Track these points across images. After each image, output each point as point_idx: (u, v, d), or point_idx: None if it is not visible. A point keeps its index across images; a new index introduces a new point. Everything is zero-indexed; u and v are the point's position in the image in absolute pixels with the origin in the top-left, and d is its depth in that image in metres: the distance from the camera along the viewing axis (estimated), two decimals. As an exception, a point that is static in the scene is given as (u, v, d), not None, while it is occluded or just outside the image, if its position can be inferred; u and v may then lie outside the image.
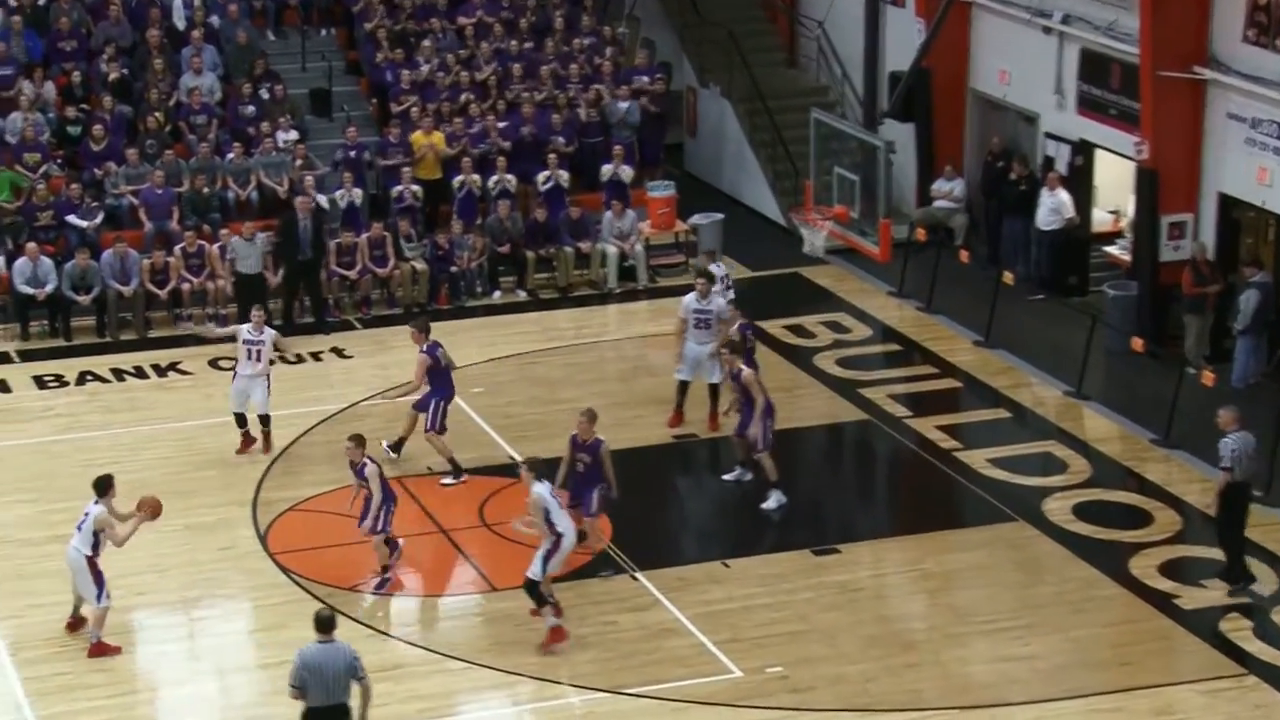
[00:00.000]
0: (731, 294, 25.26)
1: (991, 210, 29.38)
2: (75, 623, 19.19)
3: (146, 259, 27.36)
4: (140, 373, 26.00)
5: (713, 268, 25.30)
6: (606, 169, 30.00)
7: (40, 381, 25.78)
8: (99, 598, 18.67)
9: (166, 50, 30.63)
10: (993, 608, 19.68)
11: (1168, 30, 25.12)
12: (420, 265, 28.43)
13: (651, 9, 34.77)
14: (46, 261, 27.03)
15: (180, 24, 31.41)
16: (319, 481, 22.33)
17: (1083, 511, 21.81)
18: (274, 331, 23.34)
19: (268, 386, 23.06)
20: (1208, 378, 23.76)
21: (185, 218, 28.49)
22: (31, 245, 27.09)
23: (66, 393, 25.46)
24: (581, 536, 19.61)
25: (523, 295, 28.87)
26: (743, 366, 21.95)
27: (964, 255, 28.68)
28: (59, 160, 29.05)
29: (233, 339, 23.42)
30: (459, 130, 30.03)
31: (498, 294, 28.82)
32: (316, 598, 19.66)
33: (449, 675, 18.50)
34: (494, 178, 29.41)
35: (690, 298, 23.97)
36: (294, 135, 29.69)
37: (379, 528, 20.02)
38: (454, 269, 28.47)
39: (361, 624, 19.20)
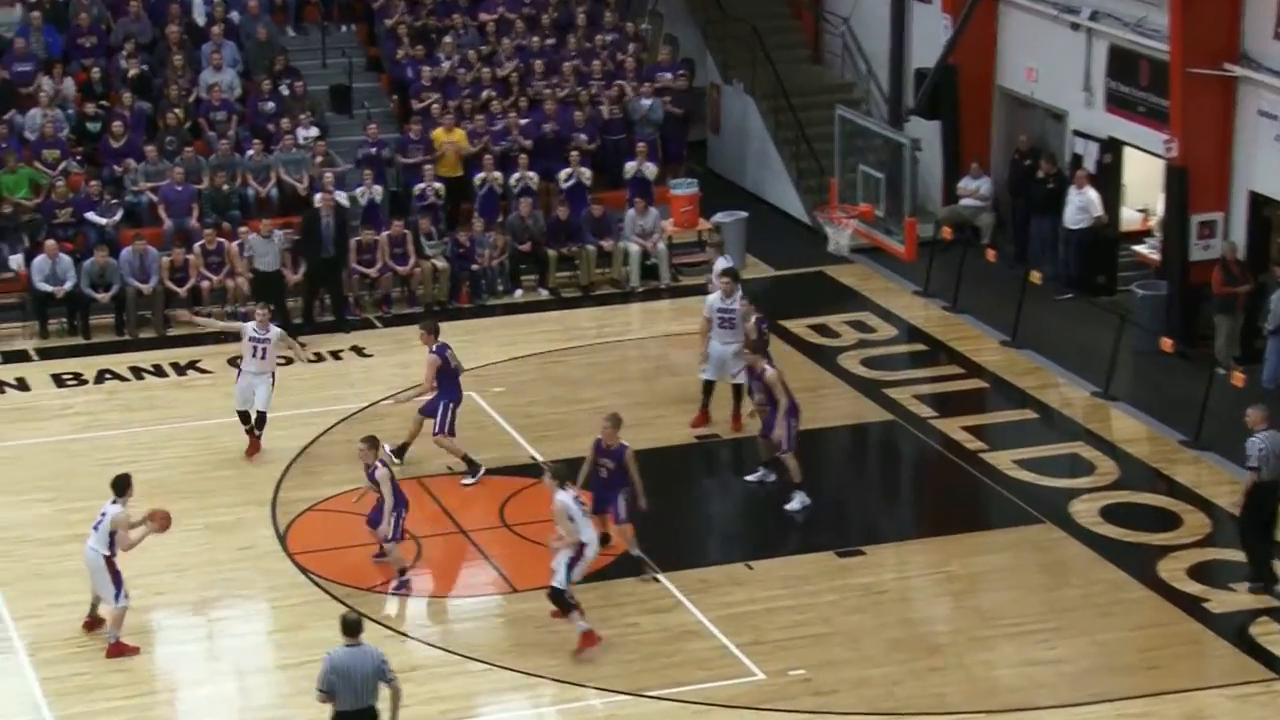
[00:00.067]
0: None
1: (1018, 209, 29.30)
2: (92, 622, 19.16)
3: (166, 256, 27.35)
4: (159, 371, 25.99)
5: (720, 261, 25.35)
6: (630, 166, 29.92)
7: (59, 380, 25.77)
8: (117, 597, 18.65)
9: (186, 46, 30.61)
10: (1019, 611, 19.60)
11: (1198, 27, 25.02)
12: (441, 263, 28.35)
13: (674, 5, 34.68)
14: (65, 259, 27.01)
15: (200, 20, 31.41)
16: (338, 481, 22.22)
17: (1110, 513, 21.72)
18: (279, 329, 23.25)
19: (271, 384, 22.98)
20: (1238, 378, 23.64)
21: (205, 215, 28.47)
22: (50, 243, 27.07)
23: (85, 391, 25.44)
24: (604, 540, 19.47)
25: (544, 294, 28.82)
26: (767, 366, 21.86)
27: (990, 254, 28.64)
28: (78, 157, 29.02)
29: (236, 336, 23.28)
30: (480, 127, 29.92)
31: (519, 292, 28.75)
32: (336, 598, 19.66)
33: (469, 677, 18.45)
34: (516, 175, 29.33)
35: (714, 296, 23.92)
36: (314, 132, 29.64)
37: (395, 534, 19.89)
38: (475, 267, 28.40)
39: (382, 625, 19.13)
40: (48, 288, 26.88)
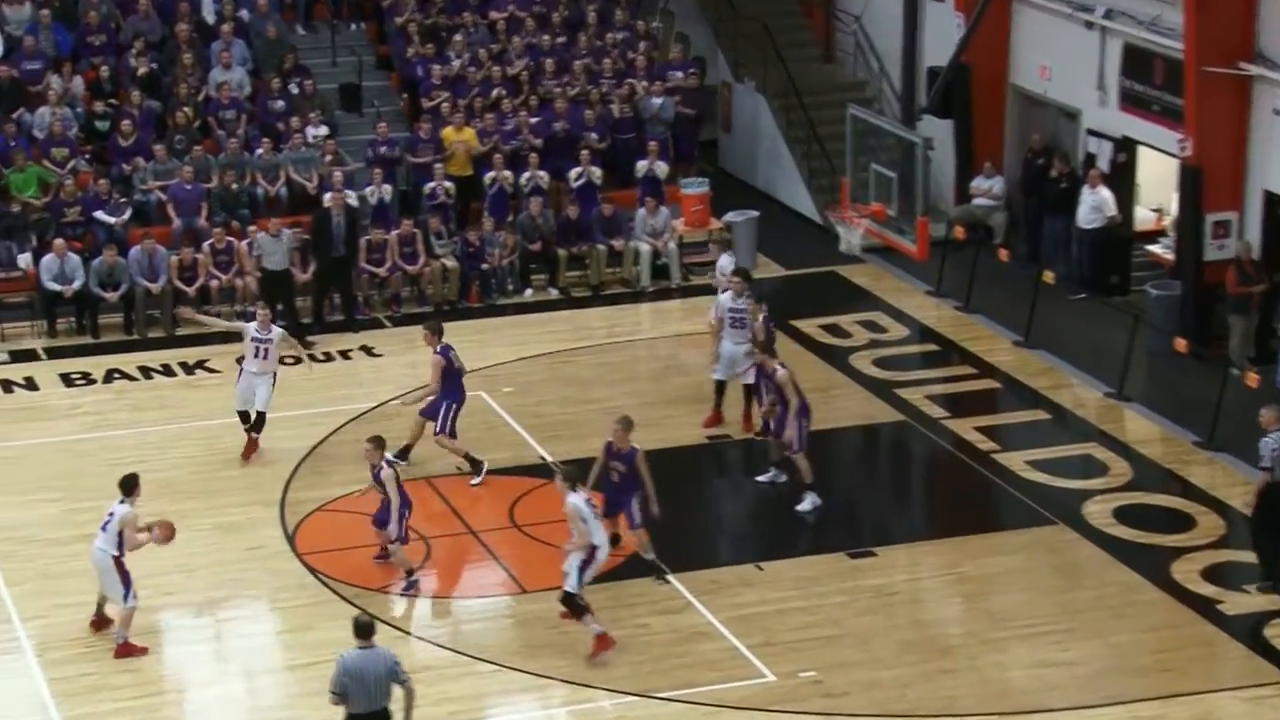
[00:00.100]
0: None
1: (1031, 208, 29.24)
2: (99, 621, 19.12)
3: (174, 255, 27.31)
4: (168, 370, 25.95)
5: (724, 258, 25.44)
6: (641, 165, 29.86)
7: (67, 379, 25.73)
8: (126, 598, 18.61)
9: (196, 45, 30.58)
10: (1031, 612, 19.54)
11: (1213, 25, 24.94)
12: (451, 263, 28.29)
13: (686, 3, 34.66)
14: (74, 258, 26.97)
15: (210, 18, 31.40)
16: (347, 481, 22.16)
17: (1124, 515, 21.65)
18: (282, 330, 23.18)
19: (272, 385, 22.91)
20: (1252, 379, 23.52)
21: (214, 214, 28.39)
22: (59, 241, 27.03)
23: (94, 390, 25.40)
24: (614, 540, 19.38)
25: (554, 293, 28.77)
26: (778, 366, 21.78)
27: (1003, 254, 28.57)
28: (87, 156, 29.00)
29: (239, 336, 23.20)
30: (490, 126, 29.84)
31: (529, 292, 28.69)
32: (344, 599, 19.64)
33: (479, 678, 18.39)
34: (526, 174, 29.24)
35: (726, 296, 23.87)
36: (324, 131, 29.58)
37: (398, 536, 19.82)
38: (485, 266, 28.33)
39: (391, 625, 19.07)
40: (56, 287, 26.84)
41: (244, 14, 31.43)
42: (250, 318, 23.37)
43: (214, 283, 27.29)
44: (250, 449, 23.01)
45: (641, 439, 20.14)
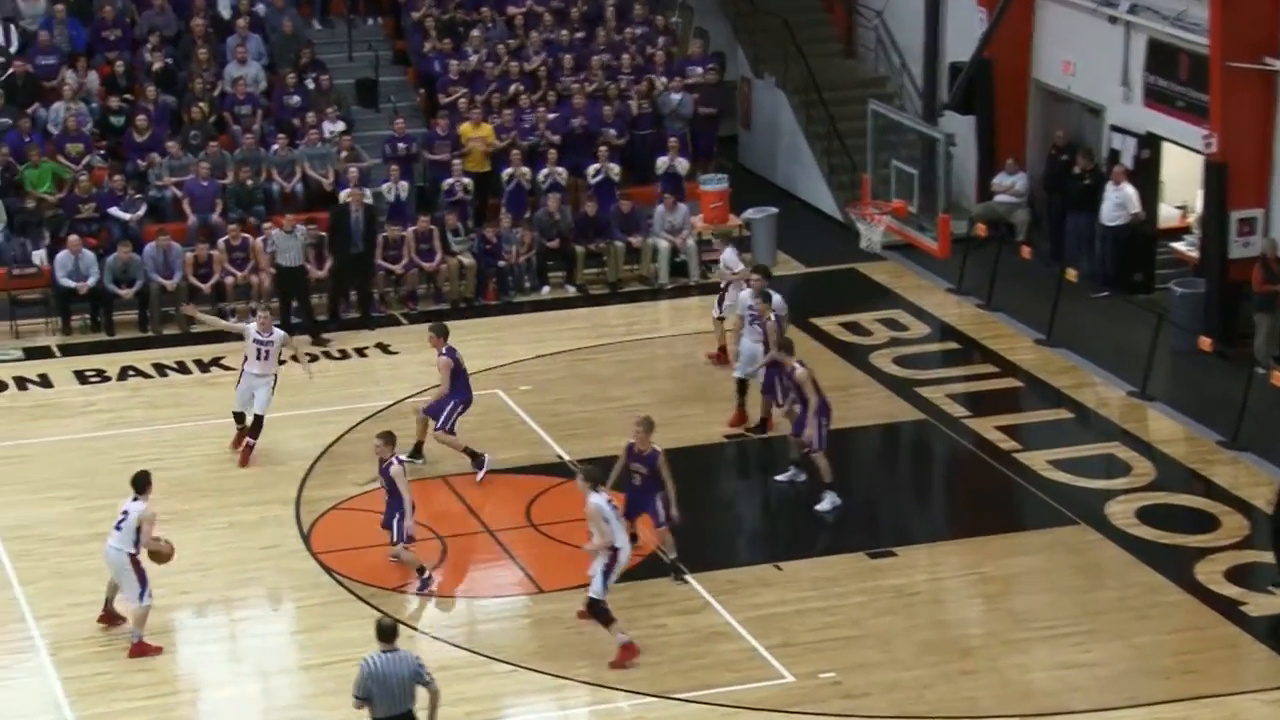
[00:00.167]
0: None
1: (1054, 205, 29.16)
2: (108, 616, 19.11)
3: (189, 252, 27.26)
4: (183, 368, 25.91)
5: (728, 252, 25.51)
6: (662, 161, 29.78)
7: (82, 376, 25.69)
8: (141, 596, 18.56)
9: (211, 39, 30.58)
10: (1053, 613, 19.47)
11: (1238, 20, 24.85)
12: (468, 260, 28.20)
13: (705, -2, 34.55)
14: (88, 254, 26.93)
15: (225, 13, 31.37)
16: (363, 480, 21.99)
17: (1147, 515, 21.56)
18: (283, 333, 23.12)
19: (272, 388, 22.83)
20: (1277, 378, 23.44)
21: (229, 210, 28.31)
22: (73, 238, 27.00)
23: (108, 388, 25.36)
24: (632, 539, 19.24)
25: (572, 291, 28.69)
26: (797, 365, 21.69)
27: (1025, 251, 28.49)
28: (102, 151, 28.99)
29: (240, 336, 23.14)
30: (508, 122, 29.72)
31: (546, 289, 28.60)
32: (360, 598, 19.60)
33: (495, 678, 18.33)
34: (544, 170, 29.14)
35: (746, 293, 23.82)
36: (340, 126, 29.50)
37: (400, 536, 19.77)
38: (502, 264, 28.26)
39: (407, 625, 18.94)
40: (71, 283, 26.78)
41: (260, 8, 31.39)
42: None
43: (229, 279, 27.23)
44: (243, 449, 22.88)
45: (660, 438, 20.02)
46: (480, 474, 22.21)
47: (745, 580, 20.07)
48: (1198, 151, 26.14)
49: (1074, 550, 20.80)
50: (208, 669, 18.72)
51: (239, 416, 22.91)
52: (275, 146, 29.08)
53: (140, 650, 18.55)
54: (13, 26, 30.20)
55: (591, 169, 29.43)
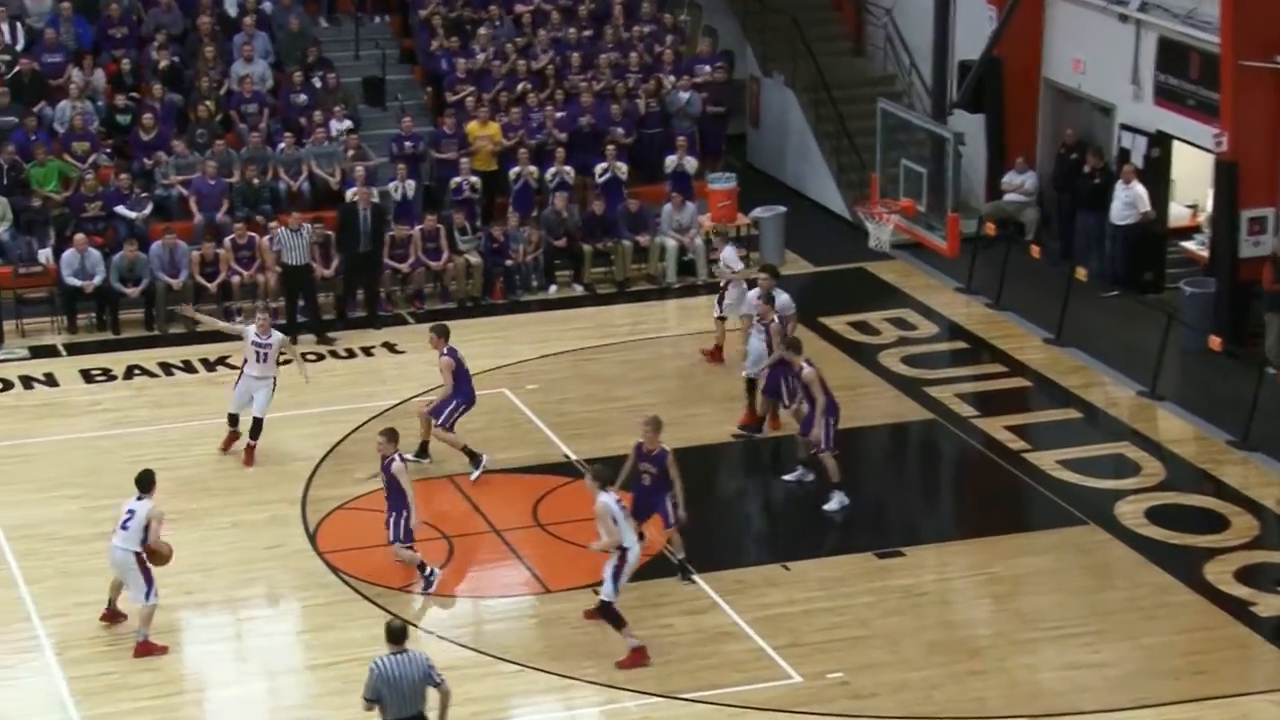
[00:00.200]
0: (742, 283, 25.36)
1: (1064, 204, 29.09)
2: (111, 615, 19.09)
3: (196, 251, 27.19)
4: (189, 367, 25.86)
5: (727, 250, 25.50)
6: (671, 160, 29.70)
7: (87, 375, 25.65)
8: (148, 595, 18.53)
9: (218, 37, 30.50)
10: (1061, 613, 19.43)
11: (1250, 18, 24.80)
12: (475, 259, 28.15)
13: (713, -4, 34.50)
14: (94, 253, 26.88)
15: (232, 11, 31.26)
16: (363, 475, 21.95)
17: (1156, 515, 21.52)
18: (282, 335, 23.04)
19: (271, 390, 22.77)
20: (1288, 378, 23.38)
21: (235, 209, 28.25)
22: (79, 236, 26.94)
23: (114, 387, 25.31)
24: (639, 538, 19.16)
25: (579, 290, 28.65)
26: (804, 365, 21.64)
27: (1035, 250, 28.45)
28: (108, 150, 28.93)
29: (238, 337, 23.13)
30: (515, 121, 29.66)
31: (553, 288, 28.54)
32: (366, 598, 19.57)
33: (501, 678, 18.29)
34: (552, 169, 29.06)
35: (753, 294, 23.75)
36: (347, 125, 29.43)
37: (397, 536, 19.72)
38: (509, 263, 28.20)
39: (413, 625, 18.90)
40: (76, 282, 26.72)
41: (266, 6, 31.29)
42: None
43: (235, 278, 27.17)
44: (229, 445, 22.84)
45: (667, 437, 19.95)
46: (475, 474, 22.14)
47: (753, 580, 20.03)
48: (1208, 150, 26.10)
49: (1083, 550, 20.75)
50: (213, 668, 18.68)
51: (233, 419, 22.84)
52: (282, 145, 28.99)
53: (146, 650, 18.53)
54: (19, 24, 30.12)
55: (599, 168, 29.35)
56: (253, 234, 27.38)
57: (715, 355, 25.57)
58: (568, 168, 29.21)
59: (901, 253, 29.27)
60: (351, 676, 17.92)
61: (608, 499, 18.27)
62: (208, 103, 29.29)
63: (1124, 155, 27.95)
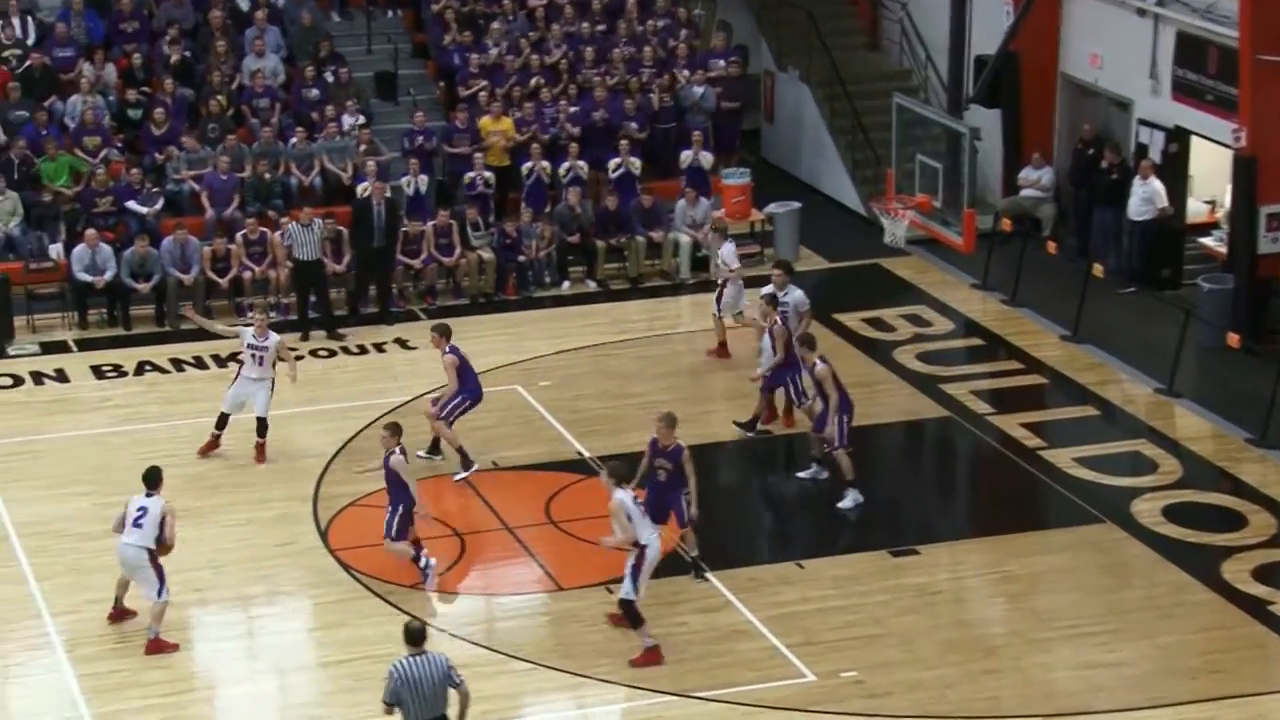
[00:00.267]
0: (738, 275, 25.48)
1: (1081, 200, 29.04)
2: (118, 614, 19.06)
3: (207, 246, 27.13)
4: (200, 363, 25.79)
5: (725, 245, 25.53)
6: (686, 155, 29.64)
7: (98, 371, 25.62)
8: (160, 593, 18.49)
9: (229, 32, 30.49)
10: (1077, 612, 19.36)
11: (1268, 12, 24.71)
12: (487, 254, 28.05)
13: (728, -10, 34.42)
14: (105, 248, 26.84)
15: (243, 5, 31.26)
16: (381, 477, 21.61)
17: (1173, 513, 21.45)
18: (278, 337, 22.95)
19: (270, 391, 22.71)
20: (1306, 374, 23.26)
21: (247, 204, 28.19)
22: (90, 232, 26.92)
23: (124, 383, 25.29)
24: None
25: (592, 286, 28.56)
26: (817, 361, 21.56)
27: (1051, 246, 28.38)
28: (119, 145, 28.89)
29: (234, 338, 23.09)
30: (528, 115, 29.56)
31: (566, 284, 28.47)
32: (377, 595, 19.54)
33: (513, 676, 18.24)
34: (565, 164, 28.97)
35: (766, 289, 23.71)
36: (359, 119, 29.38)
37: (392, 532, 19.69)
38: (522, 258, 28.12)
39: (422, 622, 18.64)
40: (87, 278, 26.68)
41: (278, 0, 31.28)
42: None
43: (246, 274, 27.11)
44: (210, 446, 22.76)
45: (681, 434, 19.89)
46: (460, 475, 21.99)
47: (766, 578, 19.97)
48: (1226, 146, 25.99)
49: (1099, 549, 20.68)
50: (224, 666, 18.64)
51: (222, 420, 22.70)
52: (293, 140, 28.96)
53: (156, 647, 18.48)
54: (30, 19, 30.15)
55: (612, 163, 29.29)
56: (264, 229, 27.31)
57: (721, 352, 25.50)
58: (581, 163, 29.15)
59: (917, 249, 29.17)
60: (363, 674, 17.95)
61: (623, 496, 18.19)
62: (219, 97, 29.26)
63: (1142, 150, 27.87)
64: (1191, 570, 20.06)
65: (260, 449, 22.66)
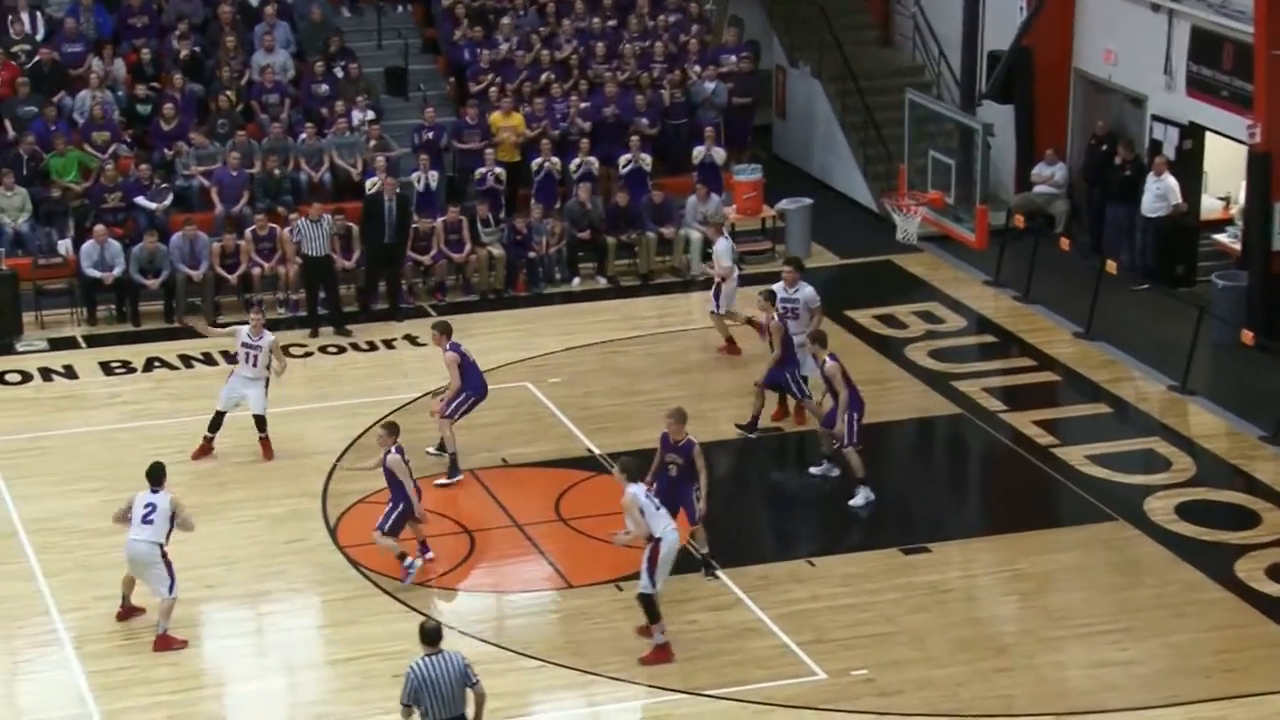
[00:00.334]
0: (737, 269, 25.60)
1: (1094, 196, 28.96)
2: (125, 613, 19.03)
3: (216, 242, 27.07)
4: (209, 359, 25.71)
5: (720, 241, 25.51)
6: (698, 151, 29.60)
7: (107, 368, 25.59)
8: (170, 589, 18.47)
9: (239, 27, 30.49)
10: (1089, 611, 19.30)
11: (1283, 8, 24.70)
12: (497, 251, 27.98)
13: (740, -14, 34.37)
14: (114, 244, 26.80)
15: (253, 0, 31.09)
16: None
17: (1186, 511, 21.38)
18: (273, 336, 22.88)
19: (265, 388, 22.64)
20: (1321, 372, 23.18)
21: (256, 200, 28.17)
22: (99, 227, 26.89)
23: (133, 379, 25.26)
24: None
25: (603, 282, 28.49)
26: (827, 358, 21.47)
27: (1064, 243, 28.30)
28: (128, 140, 28.87)
29: (231, 336, 23.08)
30: (539, 111, 29.49)
31: (577, 281, 28.42)
32: (387, 592, 19.53)
33: (523, 674, 18.20)
34: (575, 160, 28.90)
35: (777, 287, 23.62)
36: (369, 115, 29.35)
37: (384, 525, 19.65)
38: (532, 255, 28.04)
39: (422, 614, 18.81)
40: (96, 274, 26.64)
41: (288, -5, 31.31)
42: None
43: (256, 270, 27.05)
44: (203, 450, 22.64)
45: (692, 431, 19.82)
46: (444, 480, 21.83)
47: (777, 576, 19.91)
48: (1241, 142, 25.93)
49: (1112, 547, 20.61)
50: (233, 663, 18.60)
51: (215, 421, 22.62)
52: (303, 135, 28.95)
53: (165, 644, 18.46)
54: (39, 13, 30.15)
55: (623, 159, 29.23)
56: (274, 225, 27.27)
57: (731, 348, 25.43)
58: (592, 159, 29.09)
59: (929, 245, 29.09)
60: (372, 672, 17.95)
61: (636, 489, 18.13)
62: (229, 93, 29.24)
63: (1155, 147, 27.79)
64: (1205, 569, 19.98)
65: (265, 444, 22.61)
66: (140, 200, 27.71)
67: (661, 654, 18.25)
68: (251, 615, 19.47)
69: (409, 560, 19.68)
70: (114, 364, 25.57)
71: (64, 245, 27.34)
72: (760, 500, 22.26)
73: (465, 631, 18.78)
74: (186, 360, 25.63)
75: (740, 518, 21.30)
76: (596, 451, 22.53)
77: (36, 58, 29.32)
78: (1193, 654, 18.43)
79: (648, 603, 18.19)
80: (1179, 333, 25.04)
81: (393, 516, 19.59)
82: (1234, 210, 27.62)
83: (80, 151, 28.22)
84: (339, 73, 30.01)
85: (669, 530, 18.19)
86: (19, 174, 27.75)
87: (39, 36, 29.82)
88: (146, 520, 18.38)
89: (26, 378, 25.15)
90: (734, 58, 31.43)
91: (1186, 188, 27.29)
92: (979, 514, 22.42)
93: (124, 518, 18.65)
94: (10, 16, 29.83)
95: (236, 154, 28.16)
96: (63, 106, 28.82)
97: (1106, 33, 28.77)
